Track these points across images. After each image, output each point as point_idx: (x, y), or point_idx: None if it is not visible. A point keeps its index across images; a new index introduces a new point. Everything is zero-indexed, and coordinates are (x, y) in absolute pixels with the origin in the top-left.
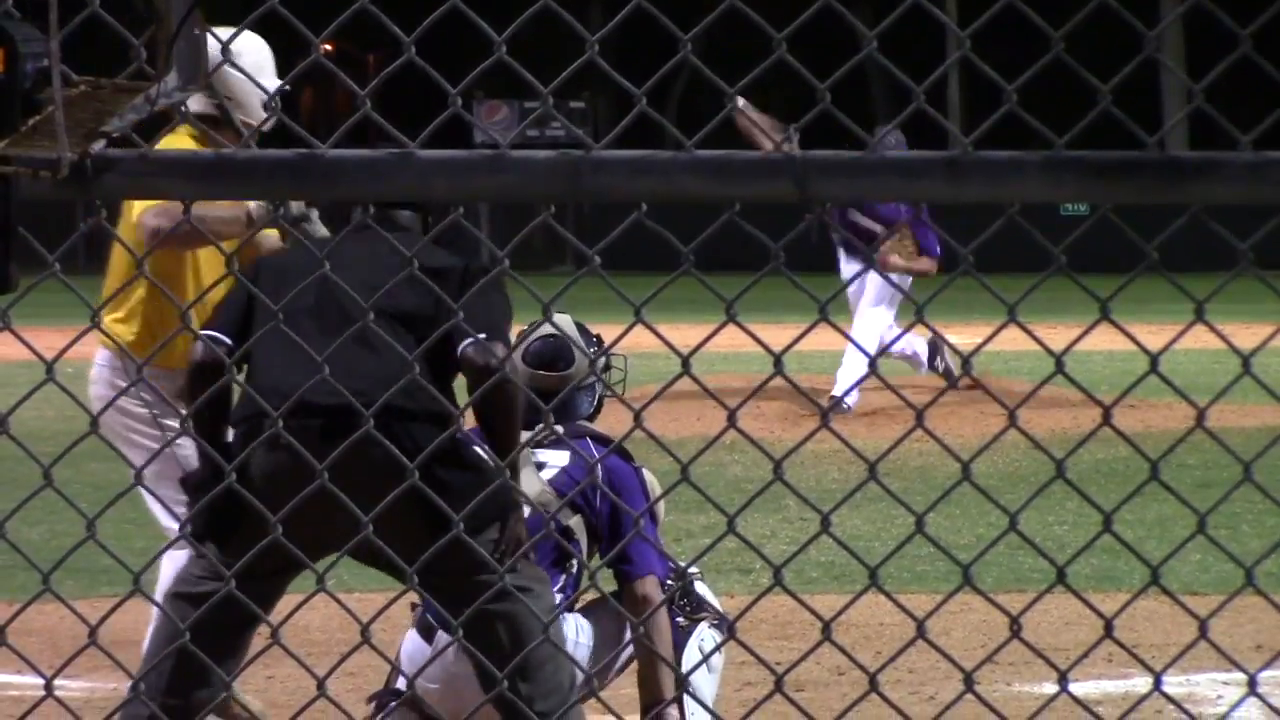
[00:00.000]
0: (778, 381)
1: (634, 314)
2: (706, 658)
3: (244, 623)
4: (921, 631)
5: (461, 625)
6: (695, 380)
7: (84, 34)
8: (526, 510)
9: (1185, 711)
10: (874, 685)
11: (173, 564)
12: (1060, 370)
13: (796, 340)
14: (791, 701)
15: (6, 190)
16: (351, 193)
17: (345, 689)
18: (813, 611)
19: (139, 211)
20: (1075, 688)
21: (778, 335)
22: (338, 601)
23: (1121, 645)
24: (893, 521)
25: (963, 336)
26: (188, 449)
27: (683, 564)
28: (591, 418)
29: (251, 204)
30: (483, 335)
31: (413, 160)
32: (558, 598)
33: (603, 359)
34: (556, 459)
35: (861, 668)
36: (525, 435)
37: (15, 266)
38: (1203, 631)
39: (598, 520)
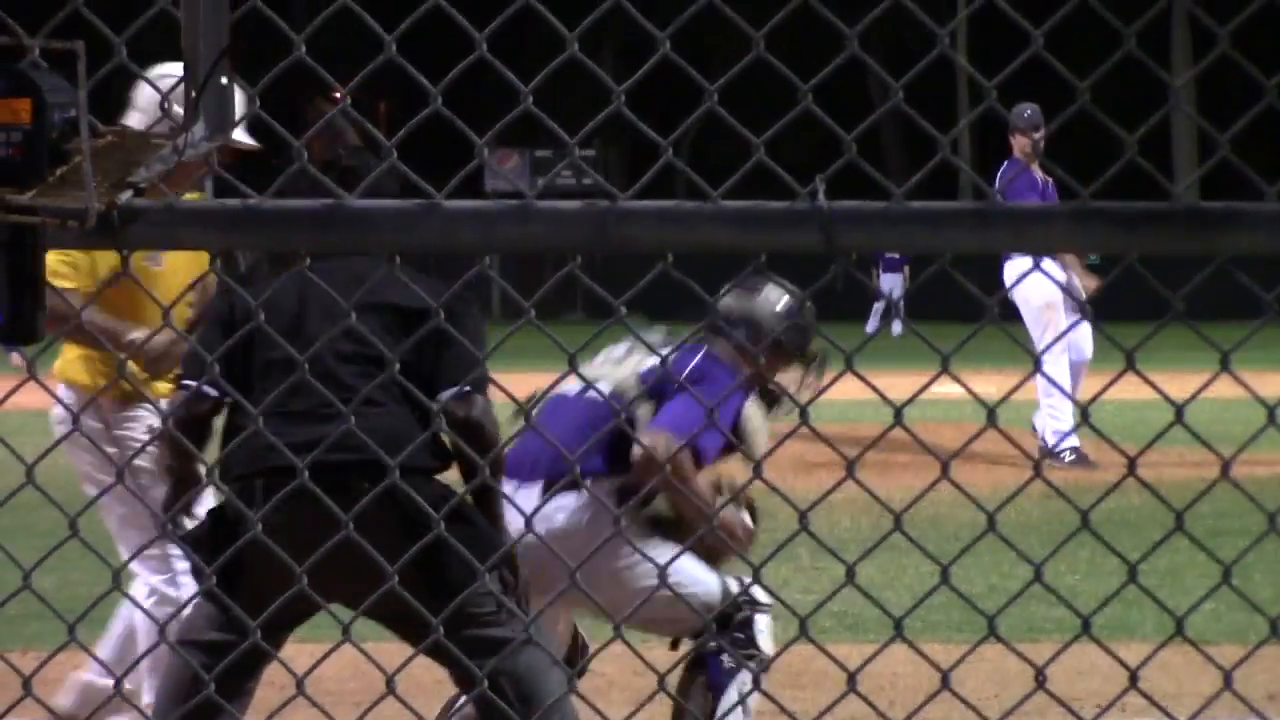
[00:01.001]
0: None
1: (661, 364)
2: (740, 700)
3: (247, 674)
4: (946, 682)
5: (473, 682)
6: (719, 428)
7: (109, 84)
8: (605, 388)
9: None
10: None
11: (129, 611)
12: (1085, 421)
13: (823, 391)
14: None
15: (35, 240)
16: (377, 243)
17: None
18: (837, 662)
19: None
20: None
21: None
22: (363, 653)
23: (1146, 696)
24: (904, 571)
25: (985, 384)
26: (158, 490)
27: (758, 593)
28: (742, 350)
29: (138, 335)
30: (466, 388)
31: (439, 210)
32: (613, 500)
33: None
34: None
35: (884, 717)
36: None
37: (42, 316)
38: (1228, 682)
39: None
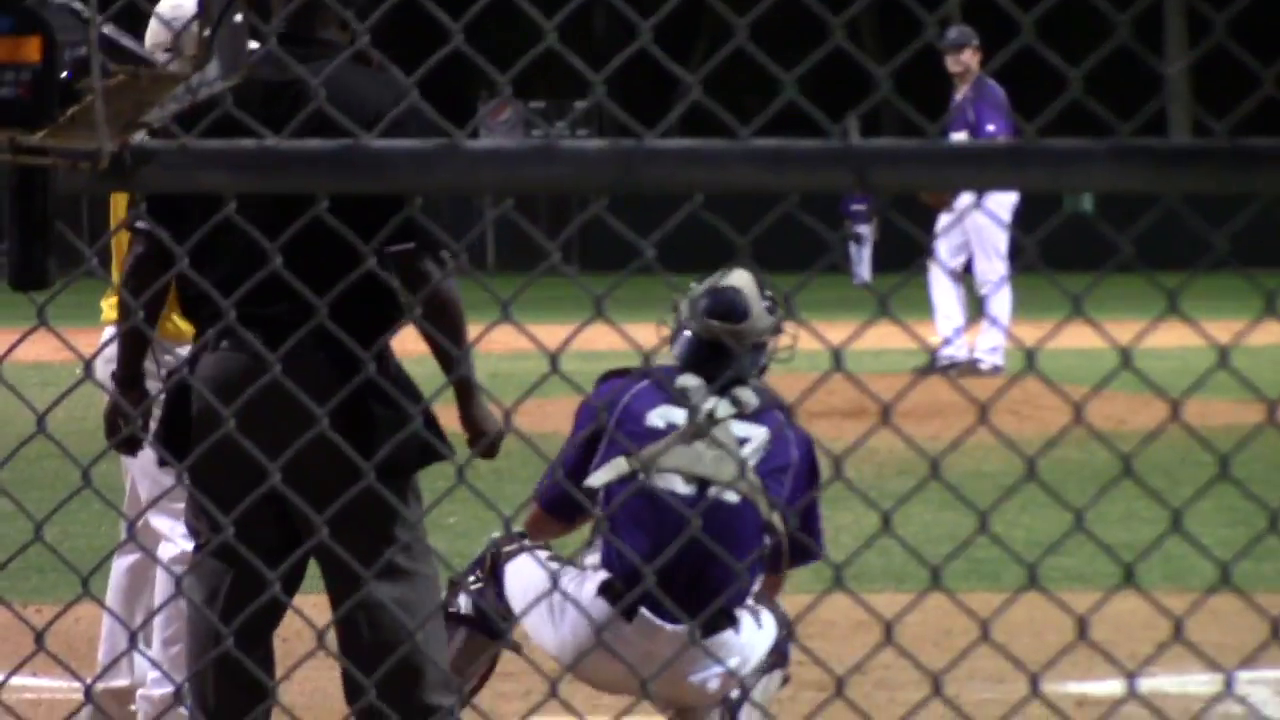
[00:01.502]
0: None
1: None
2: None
3: (267, 616)
4: (986, 633)
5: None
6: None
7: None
8: (732, 497)
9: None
10: (938, 688)
11: (125, 562)
12: (1127, 364)
13: (855, 336)
14: (854, 706)
15: (45, 183)
16: (397, 184)
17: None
18: (874, 612)
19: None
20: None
21: (830, 333)
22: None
23: (1191, 646)
24: (909, 520)
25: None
26: None
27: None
28: (759, 378)
29: None
30: (409, 244)
31: (460, 151)
32: (750, 599)
33: (775, 320)
34: (754, 433)
35: (926, 670)
36: (707, 399)
37: (54, 262)
38: (1275, 631)
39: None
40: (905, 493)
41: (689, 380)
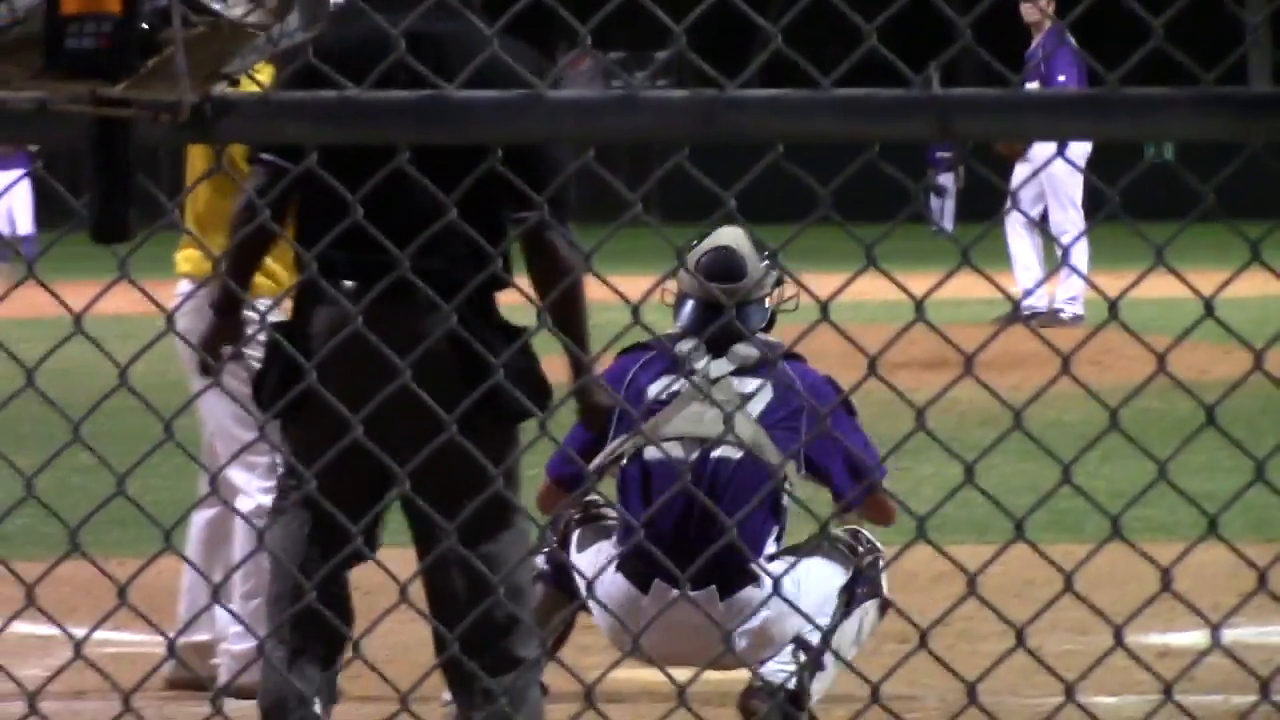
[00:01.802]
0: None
1: (769, 258)
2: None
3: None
4: (1069, 585)
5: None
6: (835, 327)
7: None
8: (735, 453)
9: None
10: (1021, 640)
11: (203, 516)
12: (1210, 314)
13: (936, 287)
14: (938, 659)
15: (126, 134)
16: (480, 134)
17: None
18: (958, 564)
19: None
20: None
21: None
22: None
23: (1275, 596)
24: (990, 472)
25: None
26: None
27: (874, 539)
28: (766, 331)
29: None
30: (539, 214)
31: (543, 101)
32: (771, 548)
33: (775, 272)
34: (764, 392)
35: (1009, 622)
36: (719, 360)
37: (134, 214)
38: None
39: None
40: (988, 444)
41: (685, 345)
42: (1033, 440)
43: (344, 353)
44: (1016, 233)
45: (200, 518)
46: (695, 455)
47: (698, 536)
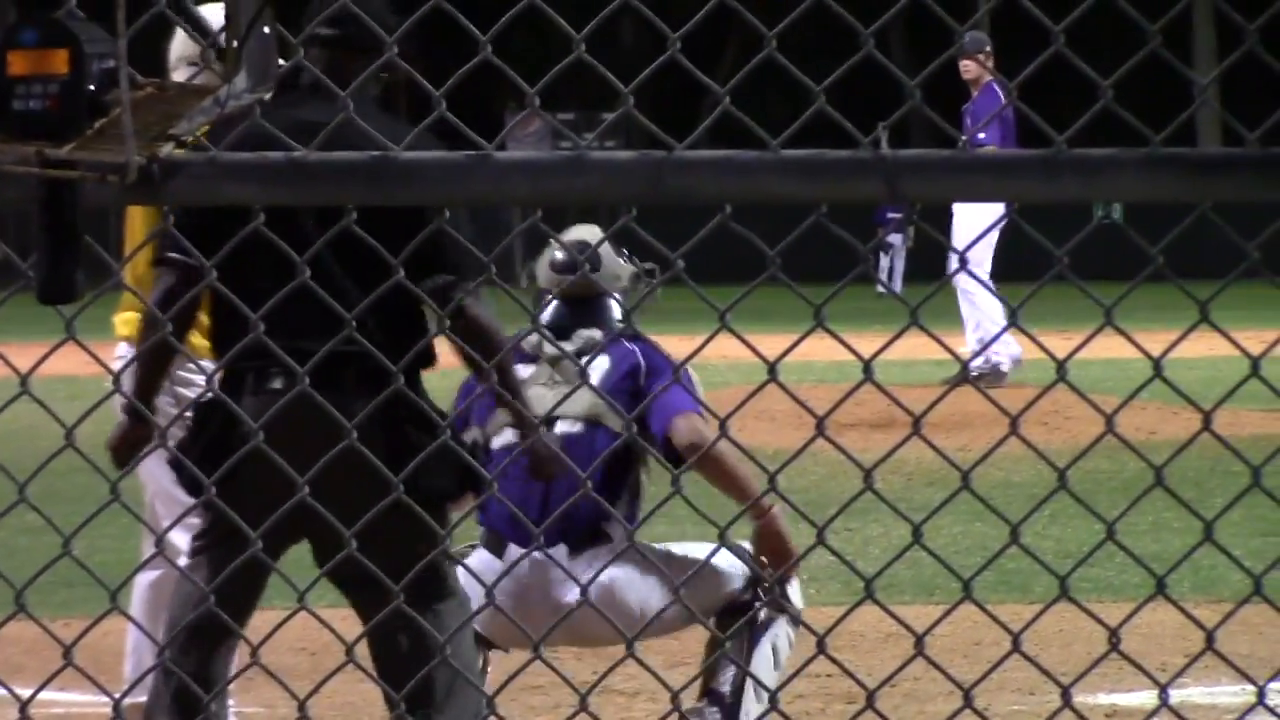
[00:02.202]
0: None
1: (719, 319)
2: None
3: (244, 591)
4: (1017, 645)
5: (384, 621)
6: (783, 388)
7: (151, 34)
8: (575, 427)
9: None
10: (969, 700)
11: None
12: (1159, 374)
13: (885, 347)
14: (884, 718)
15: (73, 196)
16: (426, 195)
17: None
18: (905, 625)
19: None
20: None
21: (860, 344)
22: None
23: (1223, 657)
24: (938, 532)
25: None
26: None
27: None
28: (622, 323)
29: None
30: (450, 278)
31: (490, 162)
32: (620, 532)
33: (633, 267)
34: (598, 363)
35: (956, 683)
36: (561, 344)
37: (81, 275)
38: None
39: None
40: (937, 504)
41: (532, 338)
42: (981, 501)
43: (270, 440)
44: (966, 295)
45: (144, 579)
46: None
47: (548, 507)
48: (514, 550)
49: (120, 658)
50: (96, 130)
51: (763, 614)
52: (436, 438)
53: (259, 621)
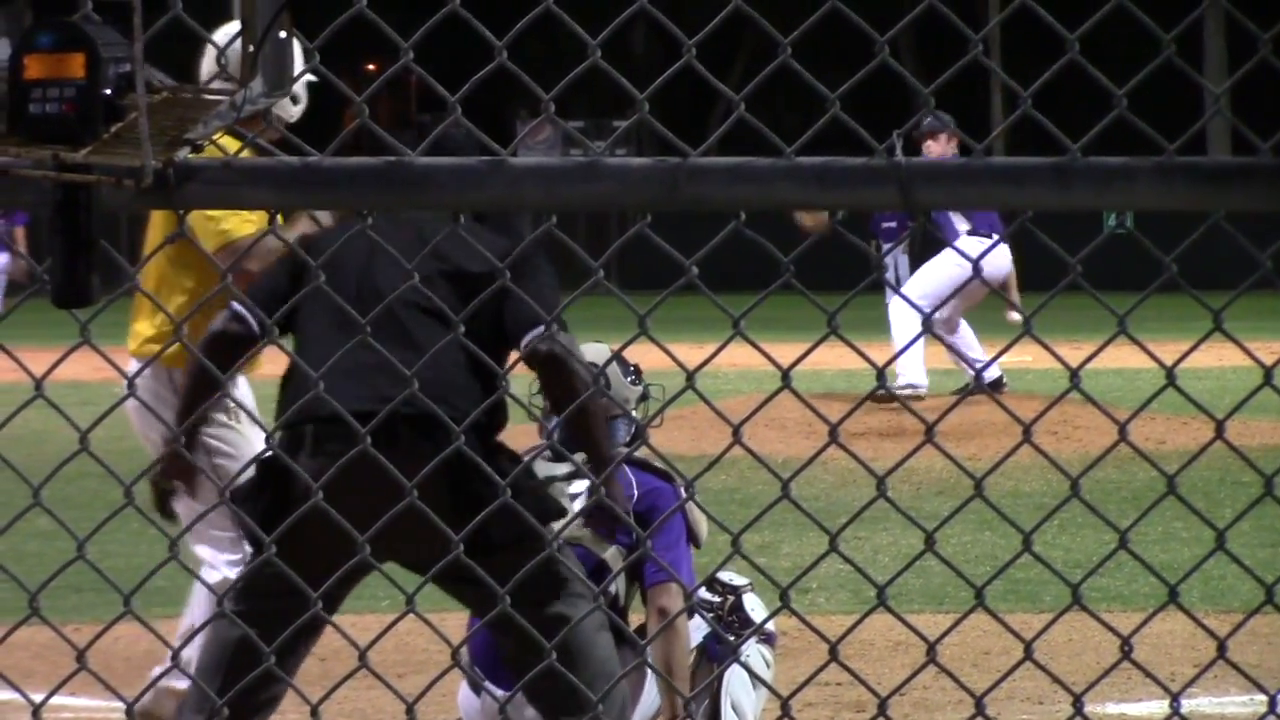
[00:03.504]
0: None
1: (732, 326)
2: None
3: (293, 642)
4: (1029, 654)
5: (515, 653)
6: (797, 395)
7: (167, 38)
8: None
9: None
10: (980, 708)
11: (206, 590)
12: (1172, 383)
13: (898, 355)
14: None
15: (89, 200)
16: (441, 200)
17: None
18: (917, 633)
19: (227, 235)
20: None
21: (873, 353)
22: (427, 623)
23: (1235, 666)
24: (947, 541)
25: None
26: (231, 460)
27: (733, 579)
28: (628, 445)
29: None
30: (539, 329)
31: (504, 168)
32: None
33: (641, 388)
34: (587, 488)
35: (969, 691)
36: (556, 465)
37: (97, 279)
38: None
39: (634, 548)
40: (948, 513)
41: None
42: (994, 509)
43: (337, 499)
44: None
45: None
46: None
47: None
48: (489, 695)
49: (129, 663)
50: (112, 134)
51: (729, 637)
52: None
53: None
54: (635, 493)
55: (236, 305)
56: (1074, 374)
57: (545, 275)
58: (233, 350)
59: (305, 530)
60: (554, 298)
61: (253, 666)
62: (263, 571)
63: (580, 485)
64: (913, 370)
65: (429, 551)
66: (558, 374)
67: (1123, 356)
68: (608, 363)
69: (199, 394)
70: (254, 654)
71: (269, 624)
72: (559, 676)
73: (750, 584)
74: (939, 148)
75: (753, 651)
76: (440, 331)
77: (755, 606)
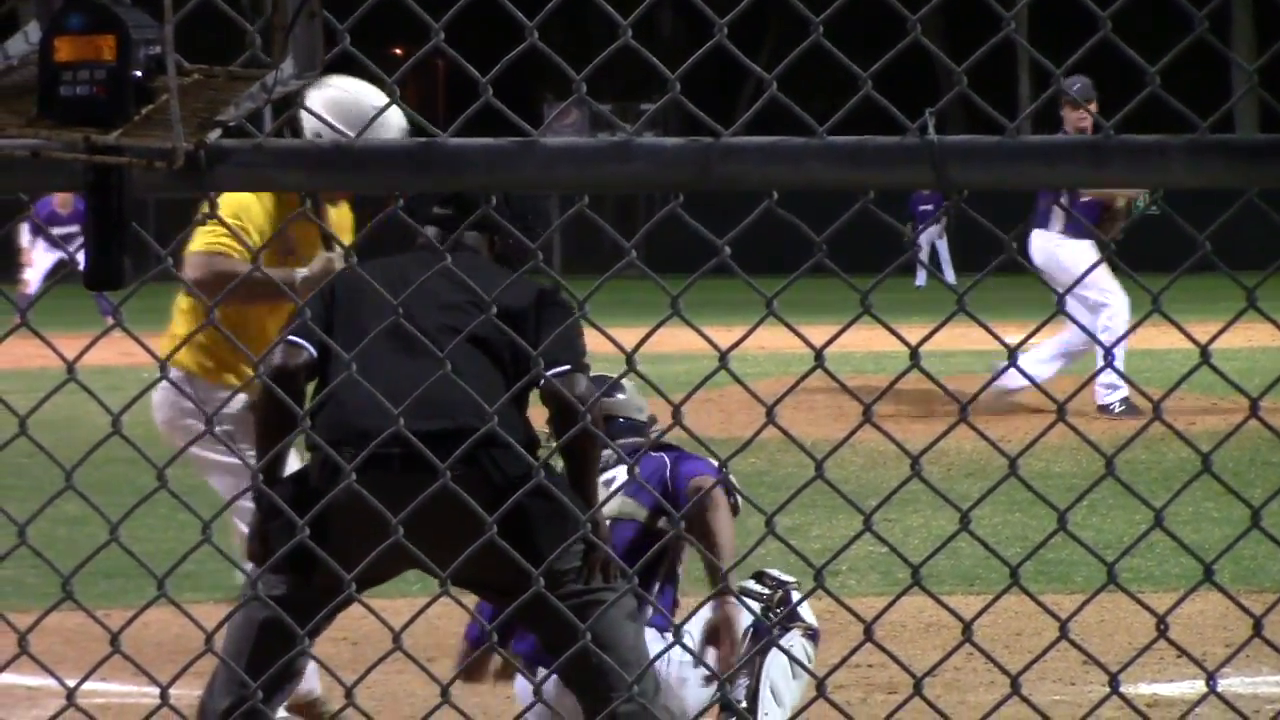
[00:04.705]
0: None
1: (765, 307)
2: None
3: (313, 631)
4: (1064, 633)
5: (550, 642)
6: (830, 374)
7: (197, 19)
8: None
9: None
10: (1016, 688)
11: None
12: (1206, 361)
13: (931, 334)
14: (933, 706)
15: (121, 182)
16: (473, 181)
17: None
18: (953, 613)
19: (188, 249)
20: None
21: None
22: (462, 605)
23: (1271, 644)
24: (978, 523)
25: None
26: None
27: (781, 575)
28: (658, 432)
29: (300, 271)
30: (566, 366)
31: (536, 149)
32: (653, 612)
33: (650, 415)
34: (617, 473)
35: (1004, 670)
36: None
37: (129, 262)
38: None
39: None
40: (981, 494)
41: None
42: (1029, 489)
43: (368, 522)
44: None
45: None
46: None
47: None
48: (538, 674)
49: (160, 648)
50: (144, 116)
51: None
52: (547, 499)
53: None
54: (666, 462)
55: (292, 336)
56: (1108, 353)
57: (573, 320)
58: (298, 380)
59: (340, 545)
60: (579, 343)
61: (278, 647)
62: (299, 587)
63: (614, 472)
64: (1112, 384)
65: (477, 567)
66: (570, 419)
67: (1150, 337)
68: (620, 377)
69: (275, 431)
70: (281, 636)
71: (302, 611)
72: (589, 660)
73: (797, 582)
74: (1076, 117)
75: (796, 642)
76: (477, 357)
77: (803, 606)
